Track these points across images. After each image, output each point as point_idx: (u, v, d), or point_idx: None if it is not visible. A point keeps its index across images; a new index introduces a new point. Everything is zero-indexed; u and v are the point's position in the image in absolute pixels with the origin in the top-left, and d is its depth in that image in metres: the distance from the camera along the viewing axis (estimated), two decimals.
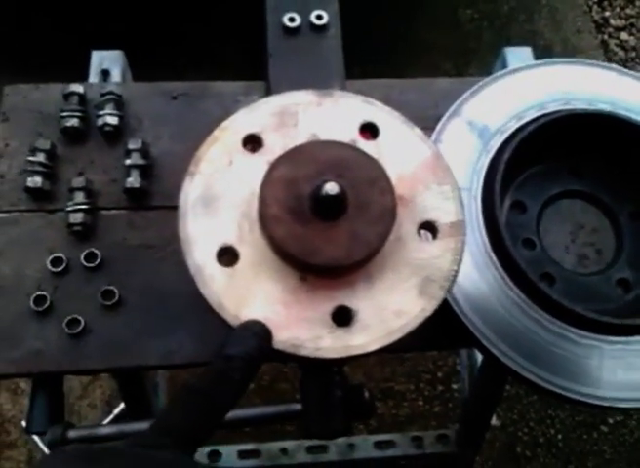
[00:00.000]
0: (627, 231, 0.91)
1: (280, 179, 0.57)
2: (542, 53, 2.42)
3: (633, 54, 2.50)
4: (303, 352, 0.54)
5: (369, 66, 2.10)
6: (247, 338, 0.53)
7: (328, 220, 0.56)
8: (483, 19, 2.40)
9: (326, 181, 0.54)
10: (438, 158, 0.62)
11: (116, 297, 0.82)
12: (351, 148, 0.59)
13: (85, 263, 0.83)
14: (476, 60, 2.26)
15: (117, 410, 1.61)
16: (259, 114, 0.62)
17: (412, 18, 2.33)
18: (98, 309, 0.82)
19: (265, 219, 0.55)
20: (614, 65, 0.97)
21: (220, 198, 0.58)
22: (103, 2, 2.09)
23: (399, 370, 1.75)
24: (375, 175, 0.58)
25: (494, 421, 1.26)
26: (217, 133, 0.61)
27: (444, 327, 0.77)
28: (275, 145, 0.61)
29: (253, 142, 0.61)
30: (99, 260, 0.84)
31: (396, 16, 2.30)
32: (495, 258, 0.81)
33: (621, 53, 2.50)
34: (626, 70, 0.97)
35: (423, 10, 2.37)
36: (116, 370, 0.84)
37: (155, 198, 0.87)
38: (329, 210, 0.55)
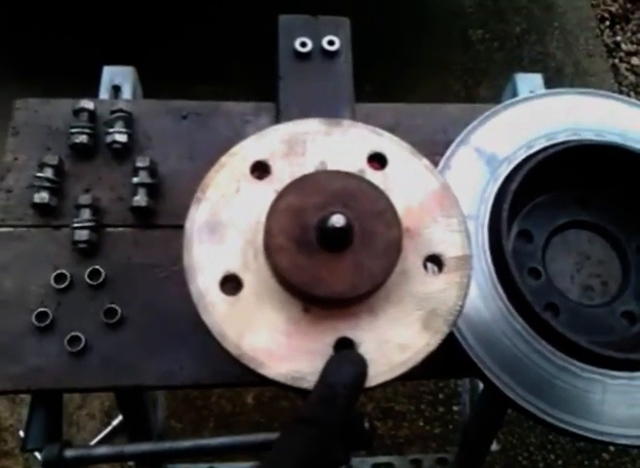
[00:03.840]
0: (634, 263, 0.91)
1: (286, 209, 0.56)
2: (553, 75, 2.43)
3: None
4: (304, 385, 0.53)
5: (379, 85, 2.11)
6: (346, 367, 0.54)
7: (333, 252, 0.56)
8: (494, 39, 2.40)
9: (333, 213, 0.54)
10: (446, 190, 0.62)
11: (118, 316, 0.82)
12: (359, 179, 0.59)
13: (89, 281, 0.83)
14: (486, 81, 2.26)
15: (115, 422, 1.61)
16: (267, 141, 0.62)
17: (423, 37, 2.34)
18: (99, 327, 0.82)
19: (270, 249, 0.55)
20: (624, 97, 0.97)
21: (225, 225, 0.58)
22: (114, 18, 2.11)
23: (400, 391, 1.74)
24: (381, 208, 0.58)
25: (494, 446, 1.25)
26: (224, 159, 0.61)
27: (447, 355, 0.77)
28: (283, 173, 0.61)
29: (260, 170, 0.61)
30: (102, 278, 0.84)
31: (407, 35, 2.31)
32: (500, 288, 0.80)
33: (632, 77, 2.50)
34: (637, 101, 0.97)
35: (435, 30, 2.38)
36: (115, 390, 0.83)
37: (161, 217, 0.87)
38: (334, 241, 0.55)
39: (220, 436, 0.76)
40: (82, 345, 0.80)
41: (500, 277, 0.80)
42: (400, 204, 0.60)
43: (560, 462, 1.71)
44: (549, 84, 2.55)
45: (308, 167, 0.61)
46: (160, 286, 0.83)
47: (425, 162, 0.64)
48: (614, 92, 2.48)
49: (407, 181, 0.62)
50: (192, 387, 0.81)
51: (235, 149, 0.61)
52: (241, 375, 0.79)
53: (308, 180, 0.58)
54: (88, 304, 0.83)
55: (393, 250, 0.56)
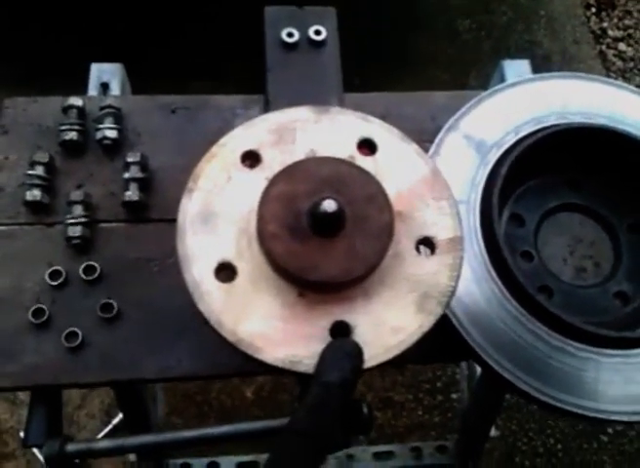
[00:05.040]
0: (625, 244, 0.91)
1: (278, 197, 0.57)
2: (541, 63, 2.43)
3: (631, 64, 2.51)
4: (301, 368, 0.54)
5: (368, 77, 2.11)
6: (341, 360, 0.54)
7: (326, 237, 0.56)
8: (481, 29, 2.41)
9: (324, 198, 0.55)
10: (436, 174, 0.63)
11: (115, 310, 0.82)
12: (349, 165, 0.60)
13: (84, 276, 0.83)
14: (475, 71, 2.27)
15: (116, 420, 1.61)
16: (257, 131, 0.62)
17: (410, 29, 2.34)
18: (96, 322, 0.82)
19: (264, 236, 0.56)
20: (611, 79, 0.97)
21: (218, 214, 0.58)
22: (106, 14, 2.10)
23: (399, 380, 1.74)
24: (372, 192, 0.58)
25: (493, 432, 1.26)
26: (214, 149, 0.61)
27: (443, 340, 0.77)
28: (273, 161, 0.61)
29: (251, 159, 0.61)
30: (97, 273, 0.84)
31: (395, 28, 2.31)
32: (493, 271, 0.81)
33: (620, 63, 2.51)
34: (624, 84, 0.97)
35: (422, 21, 2.38)
36: (113, 384, 0.84)
37: (154, 211, 0.87)
38: (327, 226, 0.56)
39: (219, 425, 0.76)
40: (79, 341, 0.80)
41: (492, 261, 0.81)
42: (391, 188, 0.61)
43: (559, 446, 1.72)
44: (537, 72, 2.56)
45: (298, 154, 0.61)
46: (155, 279, 0.83)
47: (415, 147, 0.64)
48: None
49: (397, 166, 0.63)
50: (190, 379, 0.82)
51: (225, 139, 0.62)
52: (239, 366, 0.80)
53: (299, 167, 0.59)
54: (84, 300, 0.83)
55: (385, 233, 0.57)
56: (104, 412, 1.65)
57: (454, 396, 1.73)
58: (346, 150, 0.63)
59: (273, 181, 0.58)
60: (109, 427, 1.58)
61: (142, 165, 0.88)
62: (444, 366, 1.76)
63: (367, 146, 0.63)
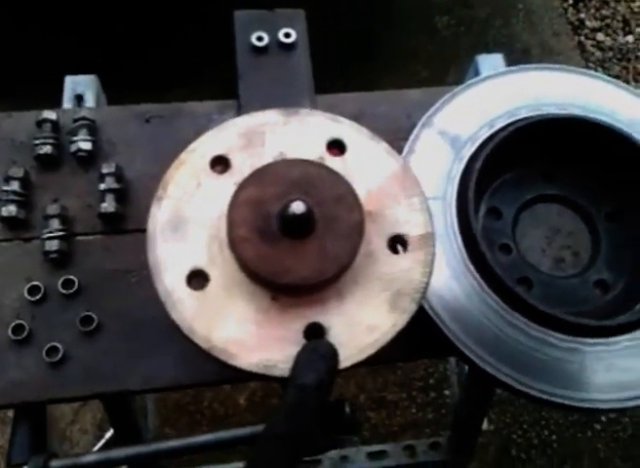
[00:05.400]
0: (603, 232, 0.92)
1: (247, 200, 0.57)
2: (521, 56, 2.44)
3: (610, 54, 2.52)
4: (276, 373, 0.54)
5: (349, 76, 2.11)
6: (316, 362, 0.54)
7: (296, 239, 0.56)
8: (460, 25, 2.41)
9: (292, 200, 0.55)
10: (406, 171, 0.63)
11: (95, 323, 0.82)
12: (318, 166, 0.60)
13: (62, 290, 0.83)
14: (454, 66, 2.27)
15: (109, 434, 1.60)
16: (225, 135, 0.62)
17: (390, 27, 2.35)
18: (77, 336, 0.81)
19: (234, 241, 0.56)
20: (585, 69, 0.98)
21: (188, 221, 0.58)
22: (81, 25, 2.10)
23: (391, 380, 1.74)
24: (342, 192, 0.58)
25: (485, 426, 1.26)
26: (183, 156, 0.61)
27: (424, 336, 0.78)
28: (243, 166, 0.61)
29: (220, 164, 0.61)
30: (76, 287, 0.83)
31: (375, 25, 2.31)
32: (471, 266, 0.81)
33: (598, 53, 2.52)
34: (598, 74, 0.98)
35: (401, 18, 2.39)
36: (97, 397, 0.83)
37: (130, 222, 0.87)
38: (296, 228, 0.55)
39: (205, 433, 0.76)
40: (60, 355, 0.80)
41: (470, 255, 0.81)
42: (361, 187, 0.61)
43: (554, 437, 1.73)
44: (517, 66, 2.55)
45: (268, 158, 0.61)
46: (133, 290, 0.83)
47: (385, 145, 0.64)
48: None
49: (367, 165, 0.63)
50: (175, 388, 0.81)
51: (194, 145, 0.62)
52: (222, 373, 0.80)
53: (267, 171, 0.59)
54: (63, 314, 0.82)
55: (356, 233, 0.57)
56: (97, 427, 1.64)
57: (447, 392, 1.73)
58: (316, 151, 0.63)
59: (242, 186, 0.58)
60: (102, 441, 1.57)
61: (118, 175, 0.88)
62: (435, 362, 1.76)
63: (336, 147, 0.63)
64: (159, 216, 0.58)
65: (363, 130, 0.64)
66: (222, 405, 1.69)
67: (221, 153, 0.61)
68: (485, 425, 1.28)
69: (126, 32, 2.15)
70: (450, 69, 2.24)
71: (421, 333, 0.76)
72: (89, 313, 0.82)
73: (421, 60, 2.29)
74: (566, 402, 0.77)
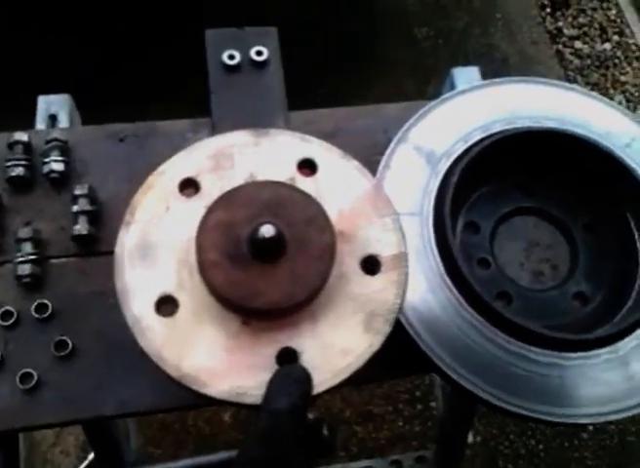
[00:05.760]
0: (581, 244, 0.92)
1: (217, 224, 0.56)
2: (500, 66, 2.46)
3: (588, 61, 2.55)
4: (248, 400, 0.53)
5: (334, 87, 2.12)
6: (289, 387, 0.53)
7: (267, 262, 0.55)
8: (439, 36, 2.43)
9: (262, 224, 0.54)
10: (378, 190, 0.62)
11: (69, 348, 0.80)
12: (288, 187, 0.59)
13: (36, 315, 0.82)
14: (435, 77, 2.28)
15: (91, 456, 1.58)
16: (194, 158, 0.61)
17: (371, 39, 2.36)
18: (51, 361, 0.80)
19: (203, 266, 0.55)
20: (560, 82, 0.98)
21: (157, 246, 0.57)
22: (57, 42, 2.09)
23: (377, 393, 1.73)
24: (313, 214, 0.58)
25: (470, 439, 1.25)
26: (151, 179, 0.60)
27: (403, 354, 0.77)
28: (213, 188, 0.60)
29: (190, 187, 0.61)
30: (50, 311, 0.82)
31: (356, 38, 2.32)
32: (449, 281, 0.81)
33: (577, 61, 2.55)
34: (573, 86, 0.98)
35: (380, 30, 2.40)
36: (73, 423, 0.82)
37: (104, 243, 0.85)
38: (267, 252, 0.55)
39: (183, 458, 0.75)
40: (34, 381, 0.78)
41: (448, 271, 0.81)
42: (333, 208, 0.60)
43: (541, 446, 1.72)
44: (496, 75, 2.56)
45: (238, 179, 0.61)
46: (109, 313, 0.82)
47: (356, 164, 0.64)
48: (560, 77, 2.53)
49: (338, 185, 0.62)
50: (151, 413, 0.80)
51: (162, 168, 0.61)
52: (199, 397, 0.79)
53: (237, 193, 0.58)
54: (37, 339, 0.81)
55: (327, 255, 0.56)
56: (80, 449, 1.62)
57: (433, 404, 1.72)
58: (287, 172, 0.62)
59: (211, 209, 0.57)
60: (85, 464, 1.55)
61: (91, 197, 0.86)
62: (421, 375, 1.76)
63: (307, 167, 0.63)
64: (127, 242, 0.57)
65: (334, 149, 0.64)
66: (208, 423, 1.68)
67: (191, 176, 0.60)
68: (470, 438, 1.28)
69: (103, 47, 2.14)
70: (431, 80, 2.25)
71: (400, 351, 0.75)
72: (63, 337, 0.81)
73: (403, 72, 2.30)
74: (545, 417, 0.76)
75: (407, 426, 1.71)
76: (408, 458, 1.30)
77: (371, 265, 0.60)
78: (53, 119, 1.02)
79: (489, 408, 0.78)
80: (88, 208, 0.85)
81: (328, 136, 0.96)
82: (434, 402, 1.71)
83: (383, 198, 0.62)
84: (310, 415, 0.64)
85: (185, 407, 0.81)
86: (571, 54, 2.56)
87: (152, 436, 1.64)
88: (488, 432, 1.69)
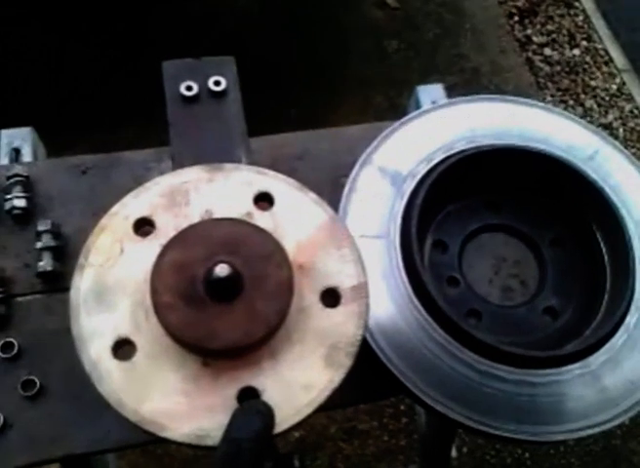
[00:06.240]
0: (549, 259, 0.92)
1: (171, 264, 0.56)
2: (471, 76, 2.48)
3: (558, 68, 2.57)
4: (209, 443, 0.52)
5: (304, 108, 2.12)
6: (251, 418, 0.52)
7: (224, 302, 0.55)
8: (409, 48, 2.44)
9: (216, 263, 0.54)
10: (334, 221, 0.62)
11: (37, 387, 0.79)
12: (243, 224, 0.59)
13: (2, 354, 0.81)
14: (407, 91, 2.28)
15: None
16: (148, 196, 0.61)
17: (341, 55, 2.37)
18: (18, 401, 0.79)
19: (158, 308, 0.54)
20: (519, 98, 0.98)
21: (112, 289, 0.57)
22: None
23: (361, 408, 1.73)
24: (269, 250, 0.57)
25: (454, 454, 1.25)
26: (104, 220, 0.59)
27: (373, 377, 0.77)
28: (168, 227, 0.60)
29: (144, 226, 0.60)
30: (16, 350, 0.81)
31: (325, 54, 2.33)
32: (417, 302, 0.80)
33: (547, 68, 2.57)
34: (532, 100, 0.99)
35: (351, 46, 2.41)
36: (43, 463, 0.80)
37: (70, 279, 0.83)
38: (222, 292, 0.54)
39: None
40: (1, 423, 0.77)
41: (416, 292, 0.81)
42: (290, 241, 0.60)
43: (527, 455, 1.72)
44: (468, 85, 2.58)
45: (194, 217, 0.60)
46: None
47: (313, 195, 0.64)
48: (531, 84, 2.55)
49: (296, 217, 0.62)
50: (122, 448, 0.79)
51: (115, 209, 0.60)
52: None
53: (191, 232, 0.58)
54: (4, 379, 0.80)
55: (285, 291, 0.56)
56: None
57: (417, 418, 1.72)
58: (243, 207, 0.62)
59: (166, 249, 0.57)
60: None
61: (55, 232, 0.86)
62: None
63: (264, 200, 0.63)
64: (82, 286, 0.57)
65: (290, 181, 0.64)
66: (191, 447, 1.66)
67: (145, 215, 0.60)
68: (454, 452, 1.28)
69: (71, 70, 2.14)
70: (403, 93, 2.26)
71: (372, 375, 0.75)
72: (31, 376, 0.80)
73: (375, 87, 2.31)
74: (519, 436, 0.76)
75: (393, 440, 1.70)
76: None
77: (331, 298, 0.59)
78: (17, 152, 1.01)
79: (462, 428, 0.77)
80: (52, 243, 0.85)
81: (295, 160, 0.98)
82: (417, 416, 1.71)
83: (341, 229, 0.62)
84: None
85: (155, 441, 0.80)
86: (540, 61, 2.59)
87: (135, 462, 1.62)
88: (474, 442, 1.69)
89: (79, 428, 0.78)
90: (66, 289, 0.84)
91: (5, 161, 0.99)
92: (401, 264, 0.83)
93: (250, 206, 0.62)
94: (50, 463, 0.89)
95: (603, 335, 0.82)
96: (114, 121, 1.98)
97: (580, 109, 2.46)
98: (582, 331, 0.86)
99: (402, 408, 1.75)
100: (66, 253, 0.86)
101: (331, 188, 0.89)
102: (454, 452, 1.25)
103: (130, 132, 1.95)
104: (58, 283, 0.85)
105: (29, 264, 0.86)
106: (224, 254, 0.56)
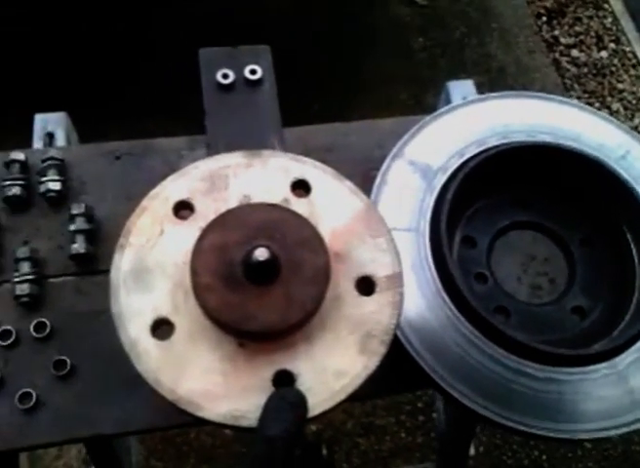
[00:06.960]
0: (579, 258, 0.92)
1: (211, 247, 0.56)
2: (497, 75, 2.47)
3: (585, 69, 2.55)
4: (244, 423, 0.53)
5: (328, 103, 2.13)
6: (284, 411, 0.52)
7: (261, 285, 0.55)
8: (436, 46, 2.44)
9: (256, 247, 0.54)
10: (370, 210, 0.63)
11: (68, 367, 0.80)
12: (281, 209, 0.59)
13: (35, 334, 0.82)
14: (433, 88, 2.28)
15: None
16: (188, 180, 0.62)
17: (366, 51, 2.37)
18: (50, 380, 0.80)
19: (198, 289, 0.55)
20: (553, 95, 0.98)
21: (152, 269, 0.58)
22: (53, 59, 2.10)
23: (379, 404, 1.73)
24: (306, 236, 0.58)
25: (472, 452, 1.25)
26: (145, 202, 0.60)
27: (400, 370, 0.77)
28: (207, 210, 0.60)
29: (184, 209, 0.61)
30: (48, 330, 0.82)
31: (351, 50, 2.33)
32: (446, 297, 0.81)
33: (574, 69, 2.55)
34: (566, 99, 0.98)
35: (377, 42, 2.41)
36: (72, 442, 0.82)
37: (102, 262, 0.86)
38: (260, 275, 0.55)
39: None
40: (33, 401, 0.78)
41: (445, 287, 0.81)
42: (327, 229, 0.60)
43: (544, 457, 1.72)
44: (493, 85, 2.57)
45: (232, 201, 0.61)
46: (107, 332, 0.80)
47: (349, 184, 0.64)
48: (557, 85, 2.53)
49: (332, 205, 0.62)
50: (151, 431, 0.80)
51: (156, 191, 0.61)
52: None
53: (231, 216, 0.58)
54: (36, 358, 0.81)
55: (322, 277, 0.57)
56: (82, 462, 1.61)
57: (435, 415, 1.72)
58: (280, 193, 0.62)
59: (205, 232, 0.57)
60: None
61: (88, 216, 0.87)
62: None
63: (301, 187, 0.63)
64: (122, 266, 0.58)
65: (327, 169, 0.64)
66: (210, 436, 1.67)
67: (185, 198, 0.61)
68: (473, 450, 1.27)
69: (100, 63, 2.16)
70: (429, 91, 2.25)
71: (399, 367, 0.75)
72: (62, 356, 0.81)
73: (400, 83, 2.30)
74: (544, 433, 0.76)
75: (409, 437, 1.70)
76: None
77: (366, 286, 0.60)
78: (50, 137, 1.02)
79: (488, 424, 0.77)
80: (85, 226, 0.86)
81: (324, 152, 0.98)
82: (436, 413, 1.71)
83: (376, 218, 0.62)
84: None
85: (184, 425, 0.81)
86: (567, 62, 2.57)
87: (154, 449, 1.63)
88: (491, 442, 1.68)
89: (107, 409, 0.79)
90: (98, 271, 0.86)
91: (38, 145, 1.00)
92: (430, 258, 0.83)
93: (287, 192, 0.62)
94: (78, 442, 0.91)
95: (631, 336, 0.81)
96: (142, 112, 1.99)
97: (606, 112, 2.44)
98: (610, 331, 0.85)
99: (419, 405, 1.76)
100: (99, 237, 0.87)
101: (361, 180, 0.89)
102: (472, 450, 1.24)
103: (157, 124, 1.96)
104: (90, 265, 0.86)
105: (62, 246, 0.87)
106: (263, 239, 0.56)
